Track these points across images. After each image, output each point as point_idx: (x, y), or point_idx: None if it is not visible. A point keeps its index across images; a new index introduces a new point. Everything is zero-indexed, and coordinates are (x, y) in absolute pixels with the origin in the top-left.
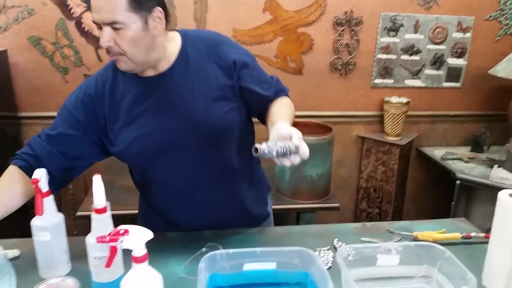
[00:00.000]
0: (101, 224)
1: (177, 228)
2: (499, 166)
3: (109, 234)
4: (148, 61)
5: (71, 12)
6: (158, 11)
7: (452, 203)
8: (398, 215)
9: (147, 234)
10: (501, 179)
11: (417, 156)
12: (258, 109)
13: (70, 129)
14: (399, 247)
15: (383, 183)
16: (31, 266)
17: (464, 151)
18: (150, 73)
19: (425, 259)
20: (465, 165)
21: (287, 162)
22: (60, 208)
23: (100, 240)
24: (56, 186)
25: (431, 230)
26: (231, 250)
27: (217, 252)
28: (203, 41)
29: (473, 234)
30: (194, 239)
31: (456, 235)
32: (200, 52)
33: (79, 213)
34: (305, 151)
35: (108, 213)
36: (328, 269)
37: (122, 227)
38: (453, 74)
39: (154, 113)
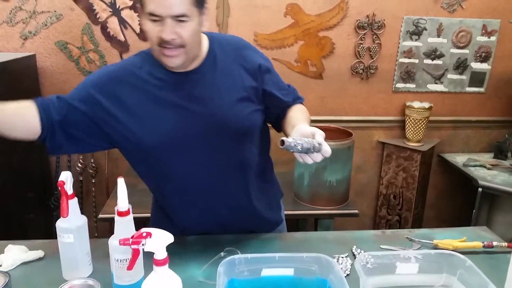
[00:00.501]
0: (124, 226)
1: (185, 233)
2: None
3: (132, 237)
4: (195, 56)
5: (97, 17)
6: (207, 10)
7: (474, 211)
8: (418, 223)
9: (168, 238)
10: None
11: (439, 163)
12: (277, 113)
13: (81, 103)
14: (418, 255)
15: (403, 189)
16: (55, 267)
17: (487, 157)
18: (180, 69)
19: (444, 267)
20: (487, 172)
21: (308, 160)
22: (82, 210)
23: (123, 242)
24: (52, 144)
25: (451, 238)
26: (249, 255)
27: (236, 256)
28: (229, 43)
29: (495, 243)
30: (213, 244)
31: (477, 244)
32: (226, 53)
33: (101, 216)
34: (327, 149)
35: (131, 216)
36: (346, 276)
37: (144, 230)
38: (477, 78)
39: (180, 107)
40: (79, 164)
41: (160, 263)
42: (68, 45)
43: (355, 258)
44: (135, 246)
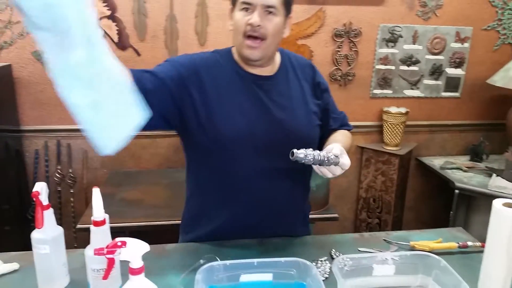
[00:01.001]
0: (100, 236)
1: (222, 233)
2: (497, 175)
3: (107, 246)
4: (271, 57)
5: None
6: (290, 20)
7: (451, 212)
8: (398, 225)
9: (144, 247)
10: (499, 188)
11: (416, 166)
12: (322, 134)
13: (171, 81)
14: (395, 257)
15: (382, 193)
16: (30, 279)
17: (463, 160)
18: (256, 71)
19: (420, 268)
20: (464, 175)
21: (327, 173)
22: (60, 221)
23: (98, 252)
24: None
25: (428, 240)
26: (228, 262)
27: (214, 263)
28: (297, 59)
29: (469, 243)
30: (192, 251)
31: (453, 245)
32: (295, 69)
33: (79, 226)
34: (344, 162)
35: (107, 226)
36: (325, 279)
37: (119, 239)
38: (452, 84)
39: (258, 107)
40: (57, 175)
41: (135, 272)
42: None
43: (333, 261)
44: (110, 256)
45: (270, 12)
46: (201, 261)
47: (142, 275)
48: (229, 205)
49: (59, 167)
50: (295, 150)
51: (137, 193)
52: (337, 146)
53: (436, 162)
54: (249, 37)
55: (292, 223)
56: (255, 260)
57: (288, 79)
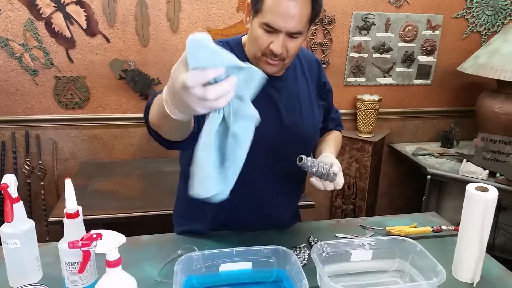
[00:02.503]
0: (74, 229)
1: (218, 227)
2: (467, 161)
3: (82, 239)
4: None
5: (40, 12)
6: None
7: (424, 198)
8: (371, 211)
9: (120, 238)
10: (469, 173)
11: (389, 153)
12: None
13: None
14: (372, 242)
15: (356, 179)
16: (0, 275)
17: (435, 146)
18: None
19: (397, 253)
20: (435, 160)
21: (320, 185)
22: (31, 214)
23: (73, 245)
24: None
25: (402, 224)
26: (206, 251)
27: (193, 253)
28: (304, 56)
29: (443, 227)
30: (169, 242)
31: (427, 229)
32: (302, 65)
33: (51, 219)
34: (339, 182)
35: (81, 218)
36: (303, 265)
37: (94, 232)
38: (423, 71)
39: (263, 108)
40: (26, 167)
41: (112, 264)
42: (9, 42)
43: (311, 247)
44: (85, 249)
45: (294, 37)
46: (179, 252)
47: (119, 267)
48: (228, 203)
49: (28, 159)
50: (304, 156)
51: (110, 185)
52: (336, 163)
53: (408, 148)
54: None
55: (286, 218)
56: (234, 249)
57: (296, 78)
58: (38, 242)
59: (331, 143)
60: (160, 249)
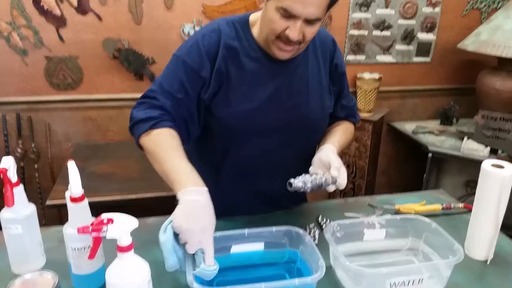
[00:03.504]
0: (79, 213)
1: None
2: (468, 138)
3: (92, 224)
4: None
5: None
6: None
7: (424, 175)
8: (370, 190)
9: (132, 222)
10: (471, 150)
11: (388, 131)
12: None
13: (195, 91)
14: (385, 221)
15: (356, 158)
16: (2, 261)
17: (434, 124)
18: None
19: (410, 231)
20: (436, 138)
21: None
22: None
23: (83, 230)
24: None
25: (411, 202)
26: (218, 233)
27: None
28: (318, 35)
29: (452, 205)
30: None
31: (437, 207)
32: (315, 47)
33: (48, 202)
34: (341, 183)
35: (86, 201)
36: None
37: (105, 216)
38: (423, 49)
39: (271, 94)
40: (19, 150)
41: (125, 249)
42: None
43: (321, 227)
44: (96, 234)
45: (312, 23)
46: None
47: (132, 251)
48: (228, 189)
49: (20, 142)
50: (292, 180)
51: (107, 167)
52: (334, 161)
53: (407, 127)
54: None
55: (291, 201)
56: (246, 231)
57: (307, 60)
58: None
59: (337, 134)
60: None
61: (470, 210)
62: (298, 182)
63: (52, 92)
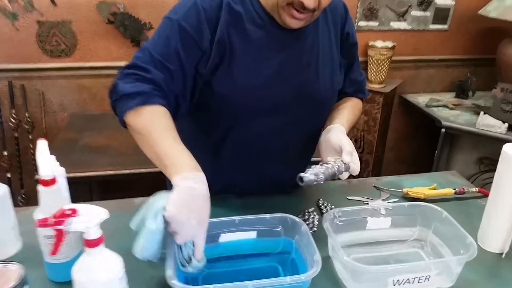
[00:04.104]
0: (50, 198)
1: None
2: (485, 113)
3: (54, 216)
4: None
5: None
6: None
7: (436, 152)
8: (378, 165)
9: (101, 214)
10: (487, 127)
11: (400, 104)
12: None
13: (191, 64)
14: (390, 207)
15: (364, 133)
16: None
17: (449, 97)
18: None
19: (418, 220)
20: (450, 112)
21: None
22: (20, 169)
23: (43, 223)
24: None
25: (420, 184)
26: None
27: None
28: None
29: (466, 189)
30: None
31: (449, 191)
32: (326, 13)
33: (36, 178)
34: (355, 169)
35: (58, 185)
36: (313, 233)
37: (69, 207)
38: (440, 15)
39: (278, 67)
40: (12, 120)
41: (92, 243)
42: None
43: (321, 212)
44: (58, 227)
45: None
46: None
47: (101, 246)
48: (225, 167)
49: (13, 111)
50: (302, 175)
51: (101, 139)
52: (346, 144)
53: (420, 99)
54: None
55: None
56: (236, 218)
57: (317, 29)
58: (33, 199)
59: (345, 112)
60: None
61: (484, 195)
62: (310, 175)
63: (45, 59)
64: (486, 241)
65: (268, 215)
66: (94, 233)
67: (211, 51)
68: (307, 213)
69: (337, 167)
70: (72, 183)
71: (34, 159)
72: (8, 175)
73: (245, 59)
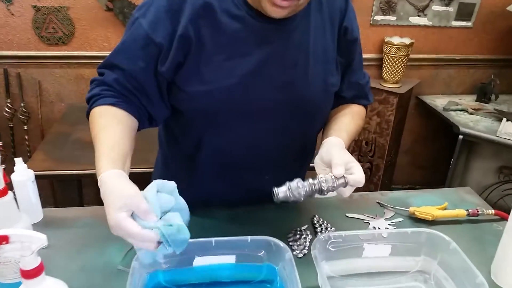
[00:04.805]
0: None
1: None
2: (508, 120)
3: None
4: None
5: None
6: None
7: (452, 160)
8: (390, 170)
9: (38, 240)
10: (509, 135)
11: (416, 106)
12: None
13: (147, 61)
14: (391, 234)
15: (376, 135)
16: None
17: (469, 100)
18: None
19: (423, 249)
20: (469, 118)
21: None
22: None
23: None
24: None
25: (430, 202)
26: None
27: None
28: None
29: (480, 211)
30: None
31: (461, 212)
32: (320, 3)
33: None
34: (356, 179)
35: (11, 195)
36: (304, 256)
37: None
38: (465, 11)
39: (257, 65)
40: (7, 109)
41: (29, 274)
42: None
43: (315, 230)
44: None
45: None
46: None
47: (41, 276)
48: (208, 179)
49: (8, 100)
50: (275, 190)
51: None
52: (334, 159)
53: (438, 102)
54: None
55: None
56: (213, 239)
57: (309, 20)
58: None
59: (345, 121)
60: None
61: (502, 219)
62: (281, 191)
63: (41, 46)
64: (500, 276)
65: (249, 238)
66: (31, 263)
67: (171, 47)
68: (299, 232)
69: (325, 181)
70: (60, 180)
71: (30, 152)
72: (3, 166)
73: (217, 56)
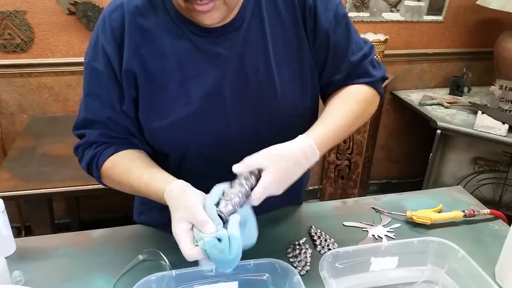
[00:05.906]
0: None
1: None
2: (483, 113)
3: None
4: (237, 5)
5: None
6: None
7: (431, 154)
8: (368, 166)
9: None
10: (486, 128)
11: (391, 101)
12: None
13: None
14: (398, 243)
15: (354, 133)
16: None
17: (443, 93)
18: (216, 24)
19: (429, 258)
20: (445, 111)
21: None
22: None
23: None
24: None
25: (424, 205)
26: (174, 272)
27: (152, 276)
28: None
29: (476, 211)
30: (128, 240)
31: (458, 214)
32: (275, 1)
33: None
34: (255, 194)
35: None
36: (305, 273)
37: None
38: (436, 5)
39: (213, 85)
40: None
41: None
42: None
43: (314, 243)
44: None
45: None
46: (140, 257)
47: None
48: None
49: None
50: (220, 211)
51: (63, 146)
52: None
53: (413, 96)
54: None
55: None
56: (213, 267)
57: (262, 18)
58: None
59: (329, 110)
60: (116, 251)
61: (497, 218)
62: (223, 206)
63: None
64: (505, 278)
65: (252, 261)
66: None
67: (123, 82)
68: (298, 247)
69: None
70: (28, 201)
71: None
72: None
73: (168, 84)
